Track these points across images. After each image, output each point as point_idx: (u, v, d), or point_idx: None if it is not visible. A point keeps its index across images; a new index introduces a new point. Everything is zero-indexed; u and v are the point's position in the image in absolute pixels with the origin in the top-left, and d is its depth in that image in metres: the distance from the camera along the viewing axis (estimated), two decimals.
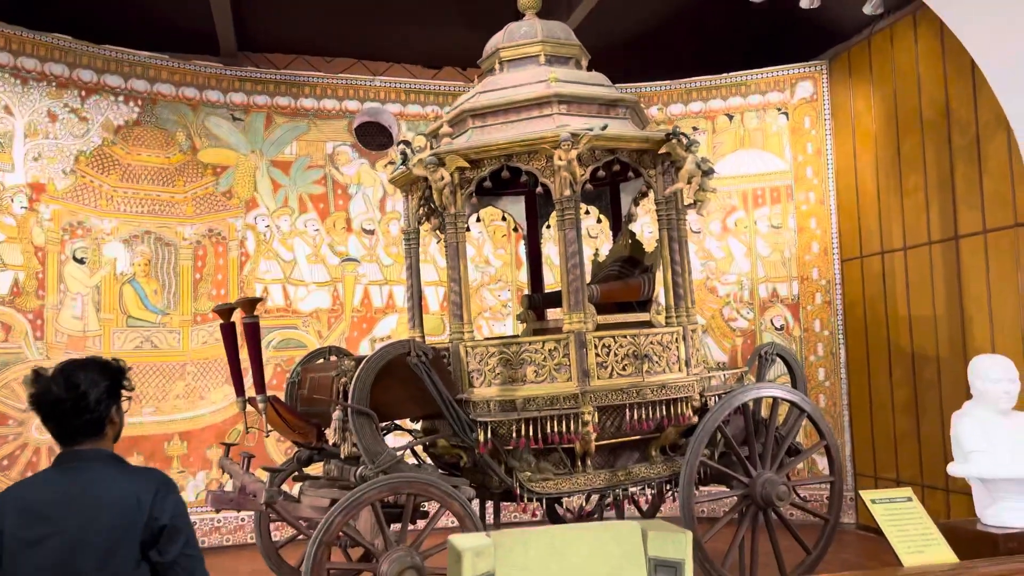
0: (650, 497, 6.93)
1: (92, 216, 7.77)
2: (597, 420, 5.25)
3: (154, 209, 8.09)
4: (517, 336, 6.12)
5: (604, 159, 5.51)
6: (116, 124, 7.93)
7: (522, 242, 8.90)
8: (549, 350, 5.33)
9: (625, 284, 6.17)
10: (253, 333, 5.07)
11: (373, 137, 8.94)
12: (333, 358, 6.08)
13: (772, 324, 8.67)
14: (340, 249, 8.63)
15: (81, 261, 7.67)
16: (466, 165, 5.47)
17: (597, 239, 9.04)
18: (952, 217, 7.00)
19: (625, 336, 5.44)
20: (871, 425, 8.04)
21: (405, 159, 5.62)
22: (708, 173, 5.78)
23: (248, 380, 5.30)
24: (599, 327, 5.49)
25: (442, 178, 5.43)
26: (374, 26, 8.62)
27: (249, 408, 5.36)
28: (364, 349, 8.33)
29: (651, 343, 5.52)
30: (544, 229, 7.23)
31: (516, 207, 7.18)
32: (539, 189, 6.28)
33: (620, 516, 6.88)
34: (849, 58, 8.28)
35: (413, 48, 8.89)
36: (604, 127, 5.24)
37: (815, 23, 8.33)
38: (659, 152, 5.64)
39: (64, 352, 7.42)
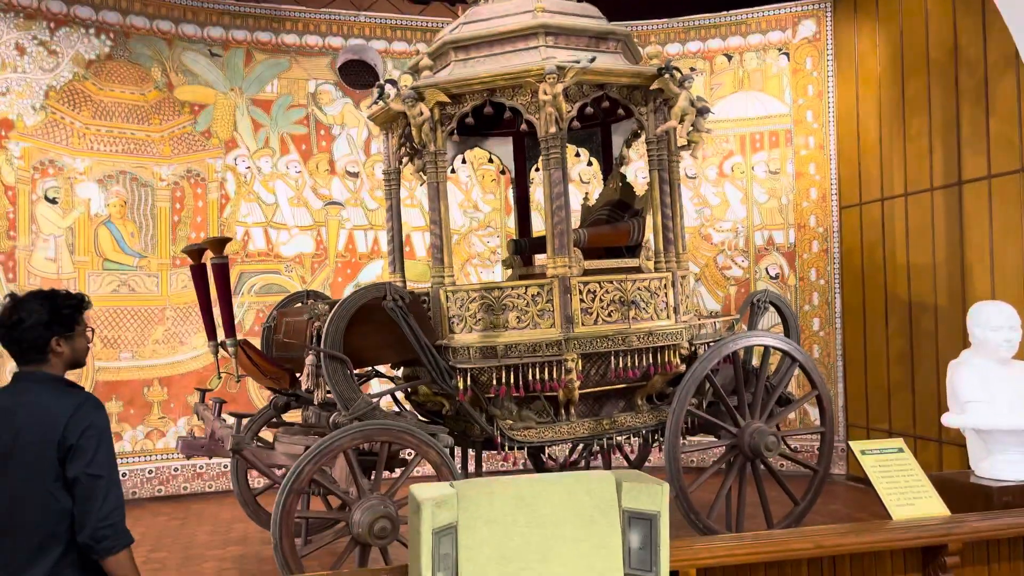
0: (636, 447, 6.80)
1: (64, 154, 7.48)
2: (581, 368, 5.07)
3: (129, 148, 7.80)
4: (499, 282, 5.91)
5: (592, 95, 5.24)
6: (87, 58, 7.60)
7: (511, 186, 8.65)
8: (532, 295, 5.12)
9: (614, 228, 5.94)
10: (222, 274, 4.85)
11: (358, 76, 8.61)
12: (311, 302, 5.87)
13: (767, 273, 8.45)
14: (323, 192, 8.37)
15: (53, 201, 7.41)
16: (447, 100, 5.20)
17: (589, 184, 8.78)
18: (956, 162, 6.73)
19: (611, 282, 5.23)
20: (865, 376, 7.89)
21: (382, 94, 5.33)
22: (702, 112, 5.52)
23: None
24: (587, 272, 5.29)
25: (421, 114, 5.16)
26: None
27: (224, 353, 5.18)
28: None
29: (638, 289, 5.31)
30: (533, 172, 6.97)
31: (503, 148, 6.91)
32: (524, 127, 6.01)
33: (607, 466, 6.75)
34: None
35: None
36: (592, 59, 4.95)
37: None
38: (651, 88, 5.37)
39: None
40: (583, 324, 5.10)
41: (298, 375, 5.10)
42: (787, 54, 8.43)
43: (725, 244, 8.60)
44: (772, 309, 6.29)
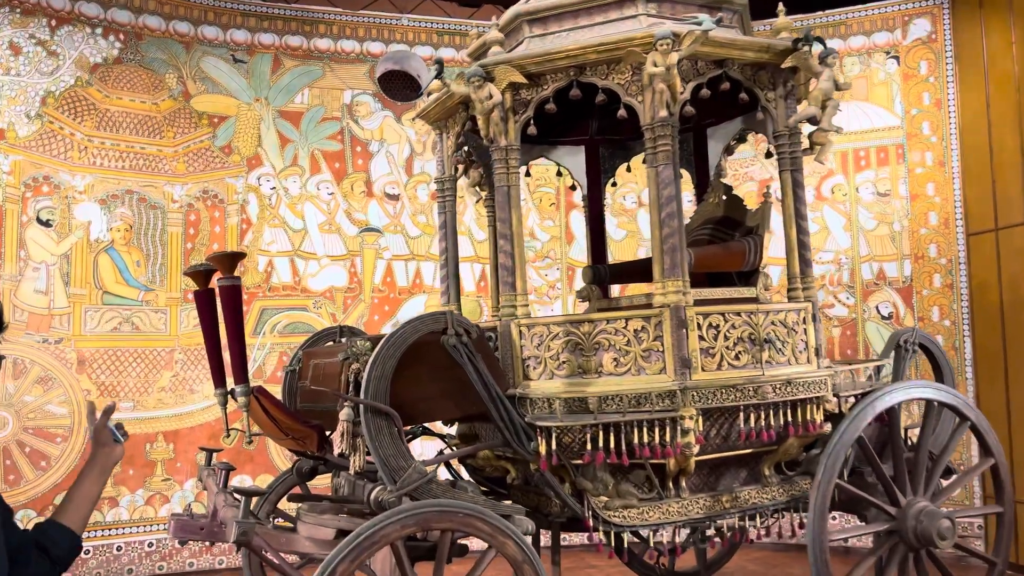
0: (760, 530, 5.43)
1: (61, 170, 6.46)
2: (701, 427, 3.81)
3: (138, 164, 6.77)
4: (607, 307, 4.71)
5: (709, 74, 4.07)
6: (92, 62, 6.62)
7: (574, 211, 7.49)
8: (635, 331, 3.90)
9: (726, 249, 4.72)
10: (232, 301, 3.70)
11: (399, 87, 7.52)
12: (347, 339, 4.69)
13: (878, 312, 7.16)
14: (359, 217, 7.26)
15: (47, 224, 6.36)
16: (522, 81, 4.06)
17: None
18: None
19: (739, 313, 3.99)
20: (1009, 438, 6.51)
21: (441, 71, 4.20)
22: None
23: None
24: (698, 303, 4.06)
25: (490, 97, 4.03)
26: None
27: (235, 404, 3.99)
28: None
29: (772, 323, 4.06)
30: (608, 188, 5.81)
31: (574, 159, 5.75)
32: (596, 135, 4.87)
33: (729, 554, 5.42)
34: None
35: None
36: (718, 20, 3.80)
37: None
38: (782, 67, 4.19)
39: (24, 333, 6.12)
40: (703, 369, 3.86)
41: (329, 433, 3.90)
42: (896, 57, 7.25)
43: (826, 278, 7.33)
44: (921, 352, 5.01)
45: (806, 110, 4.17)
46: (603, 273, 5.26)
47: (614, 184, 5.85)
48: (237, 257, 3.78)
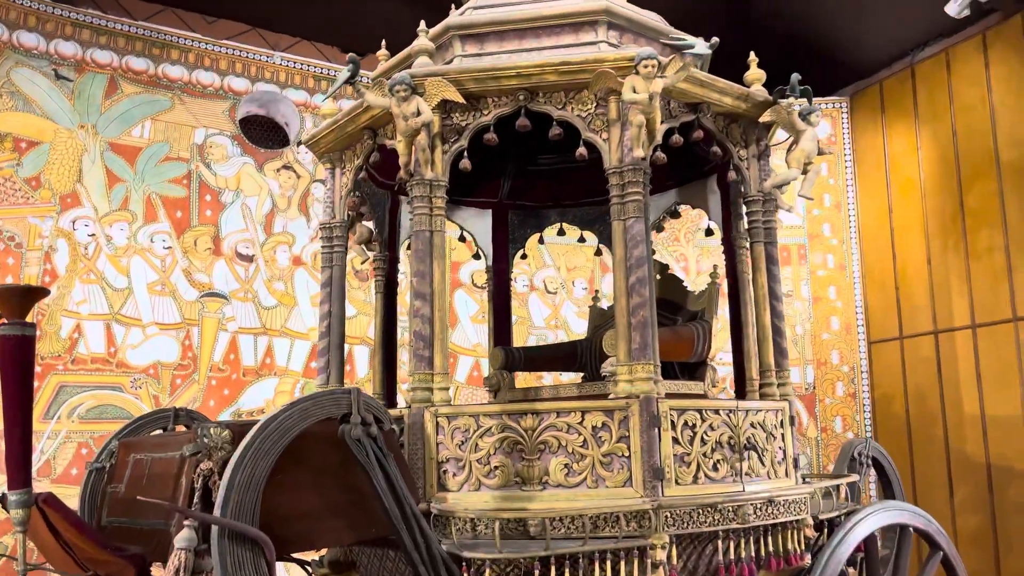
0: None
1: None
2: (676, 558, 2.89)
3: None
4: (534, 398, 3.73)
5: (682, 118, 3.36)
6: None
7: (458, 290, 6.56)
8: (593, 428, 2.97)
9: (674, 334, 3.94)
10: (17, 358, 2.43)
11: (263, 132, 6.45)
12: (181, 428, 3.44)
13: None
14: (201, 279, 5.96)
15: None
16: (459, 100, 3.18)
17: (556, 295, 6.84)
18: None
19: (718, 411, 3.17)
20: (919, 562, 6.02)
21: (354, 76, 3.23)
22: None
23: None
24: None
25: (417, 113, 3.09)
26: None
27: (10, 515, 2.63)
28: None
29: (752, 426, 3.27)
30: (517, 259, 4.97)
31: (480, 224, 4.89)
32: (507, 202, 4.09)
33: None
34: (881, 92, 6.69)
35: (329, 22, 6.60)
36: (712, 45, 3.11)
37: (832, 55, 6.74)
38: (758, 121, 3.57)
39: None
40: (678, 482, 2.97)
41: (151, 564, 2.64)
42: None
43: (726, 381, 6.75)
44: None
45: (785, 173, 3.53)
46: (517, 358, 4.33)
47: (523, 256, 5.01)
48: (34, 295, 2.54)
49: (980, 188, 5.84)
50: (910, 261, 6.33)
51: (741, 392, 3.95)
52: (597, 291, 5.24)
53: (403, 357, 5.05)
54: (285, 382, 6.00)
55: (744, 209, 3.70)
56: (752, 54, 3.69)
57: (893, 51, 6.54)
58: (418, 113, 3.09)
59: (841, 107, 6.99)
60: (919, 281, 6.24)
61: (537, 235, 5.00)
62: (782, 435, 3.40)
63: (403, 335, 5.21)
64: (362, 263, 4.34)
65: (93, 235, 5.68)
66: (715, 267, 4.25)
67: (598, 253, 4.98)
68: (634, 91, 2.99)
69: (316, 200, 6.35)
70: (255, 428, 2.40)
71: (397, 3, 6.65)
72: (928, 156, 6.26)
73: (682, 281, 4.39)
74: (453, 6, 3.79)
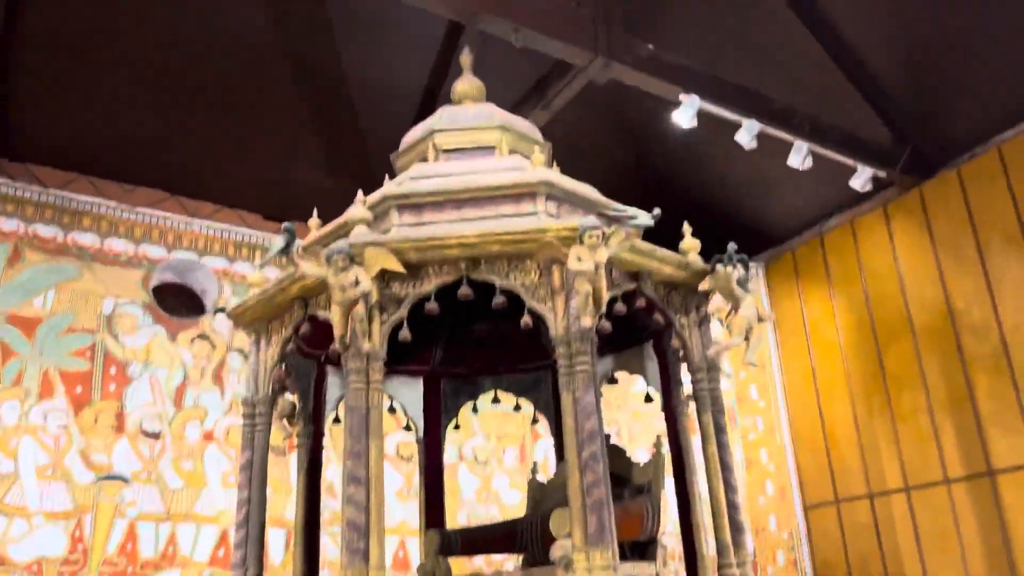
0: None
1: None
2: None
3: None
4: None
5: (624, 286, 3.33)
6: None
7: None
8: None
9: (622, 511, 3.70)
10: None
11: (178, 301, 6.17)
12: None
13: None
14: (99, 460, 5.44)
15: None
16: (399, 270, 3.06)
17: (487, 465, 6.54)
18: (981, 446, 5.34)
19: None
20: None
21: (289, 246, 3.08)
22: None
23: None
24: None
25: (355, 283, 2.95)
26: (202, 154, 6.26)
27: None
28: None
29: None
30: (450, 430, 4.72)
31: (411, 393, 4.66)
32: (440, 370, 3.96)
33: None
34: (794, 259, 6.98)
35: (251, 189, 6.54)
36: (655, 215, 3.12)
37: (745, 223, 7.07)
38: (697, 289, 3.57)
39: None
40: None
41: None
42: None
43: (675, 556, 6.46)
44: None
45: (727, 341, 3.50)
46: (453, 541, 4.00)
47: (456, 427, 4.77)
48: None
49: (897, 351, 6.01)
50: (838, 423, 6.37)
51: (692, 570, 3.72)
52: (535, 463, 4.99)
53: (324, 540, 4.62)
54: (190, 571, 5.41)
55: (688, 377, 3.61)
56: (686, 223, 3.75)
57: (802, 220, 6.88)
58: (356, 283, 2.94)
59: (756, 273, 7.23)
60: (849, 443, 6.25)
61: (471, 403, 4.80)
62: None
63: (325, 514, 4.79)
64: (283, 439, 4.02)
65: None
66: (659, 437, 4.11)
67: (535, 421, 4.79)
68: (579, 260, 2.94)
69: (232, 371, 6.01)
70: None
71: (320, 171, 6.69)
72: (845, 320, 6.46)
73: (625, 451, 4.22)
74: (387, 176, 3.76)
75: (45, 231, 5.74)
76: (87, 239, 5.87)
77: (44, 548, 5.10)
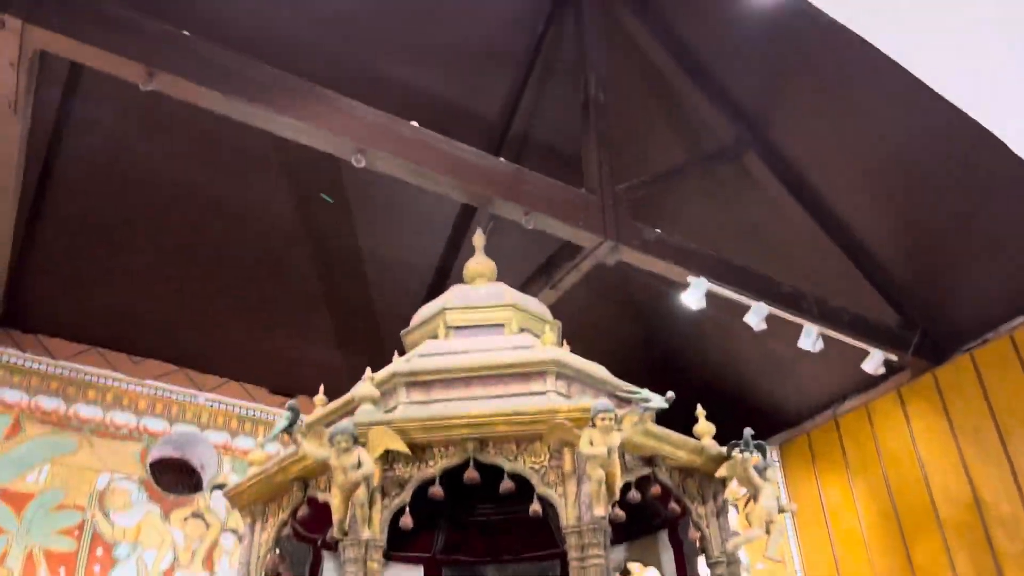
0: None
1: None
2: None
3: None
4: None
5: (638, 472, 3.19)
6: None
7: None
8: None
9: None
10: None
11: (175, 476, 5.99)
12: None
13: None
14: None
15: None
16: (404, 451, 2.95)
17: None
18: None
19: None
20: None
21: (293, 424, 2.99)
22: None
23: None
24: None
25: (358, 465, 2.84)
26: (211, 328, 6.30)
27: None
28: None
29: None
30: None
31: None
32: (441, 557, 3.76)
33: None
34: (810, 442, 6.80)
35: (260, 364, 6.52)
36: (669, 399, 3.03)
37: (757, 405, 6.96)
38: (714, 476, 3.43)
39: None
40: None
41: None
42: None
43: None
44: None
45: (748, 533, 3.32)
46: None
47: None
48: None
49: (925, 545, 5.70)
50: None
51: None
52: None
53: None
54: None
55: (707, 571, 3.39)
56: (699, 407, 3.66)
57: (816, 403, 6.76)
58: (359, 465, 2.83)
59: (774, 457, 7.01)
60: None
61: None
62: None
63: None
64: None
65: None
66: None
67: None
68: (591, 444, 2.83)
69: (225, 552, 5.72)
70: None
71: (331, 347, 6.69)
72: (866, 507, 6.18)
73: None
74: (396, 353, 3.73)
75: (48, 403, 5.68)
76: (90, 411, 5.79)
77: None
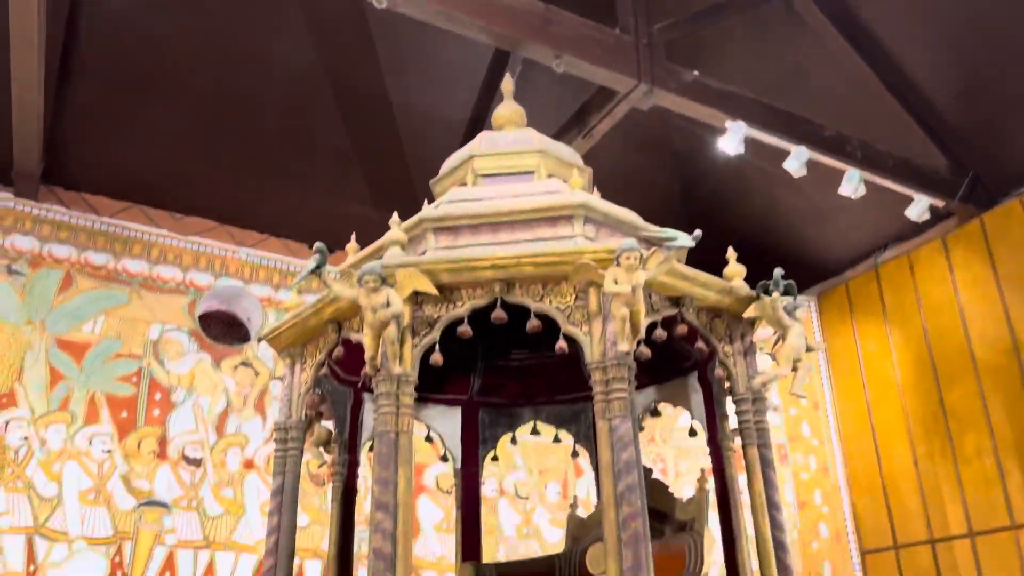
0: None
1: None
2: None
3: None
4: None
5: (664, 311, 3.21)
6: None
7: (422, 496, 6.11)
8: None
9: (663, 548, 3.55)
10: None
11: (223, 328, 6.21)
12: None
13: None
14: (141, 486, 5.46)
15: None
16: (431, 292, 3.00)
17: (528, 500, 6.40)
18: None
19: None
20: None
21: (321, 265, 3.06)
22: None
23: None
24: None
25: (387, 304, 2.89)
26: (250, 185, 6.35)
27: None
28: None
29: None
30: (491, 464, 4.61)
31: (448, 422, 4.57)
32: (478, 400, 3.87)
33: None
34: (848, 292, 6.74)
35: (297, 220, 6.60)
36: (696, 237, 3.00)
37: (796, 255, 6.87)
38: (742, 317, 3.43)
39: None
40: None
41: None
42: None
43: None
44: None
45: (774, 371, 3.35)
46: (488, 574, 3.87)
47: (495, 459, 4.66)
48: None
49: (960, 390, 5.73)
50: (896, 464, 6.07)
51: None
52: (575, 497, 4.85)
53: (360, 574, 4.53)
54: None
55: (732, 408, 3.46)
56: (730, 248, 3.62)
57: (856, 253, 6.66)
58: (387, 304, 2.89)
59: (809, 306, 7.01)
60: (909, 486, 5.95)
61: (509, 435, 4.69)
62: None
63: (360, 548, 4.71)
64: (319, 467, 3.96)
65: (26, 438, 5.24)
66: (703, 472, 3.95)
67: (575, 454, 4.65)
68: (616, 282, 2.84)
69: (274, 398, 6.02)
70: None
71: (365, 202, 6.72)
72: (902, 356, 6.20)
73: (667, 487, 4.05)
74: (426, 200, 3.73)
75: (97, 258, 5.86)
76: (137, 266, 5.97)
77: (84, 573, 5.11)
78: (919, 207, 5.54)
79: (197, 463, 5.65)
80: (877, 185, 5.52)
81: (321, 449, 3.89)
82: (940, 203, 5.70)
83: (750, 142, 5.21)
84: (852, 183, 5.29)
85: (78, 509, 5.23)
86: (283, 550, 3.34)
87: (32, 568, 4.99)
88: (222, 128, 6.12)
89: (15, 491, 5.12)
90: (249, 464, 5.78)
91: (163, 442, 5.61)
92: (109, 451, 5.43)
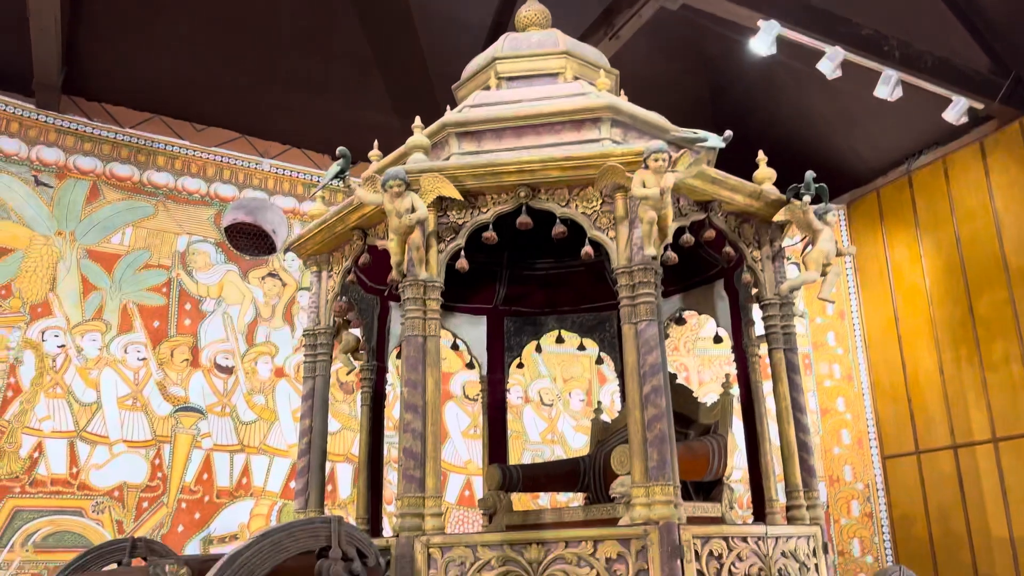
0: None
1: None
2: None
3: None
4: (536, 523, 3.36)
5: (693, 216, 3.16)
6: None
7: (450, 402, 6.22)
8: (607, 560, 2.61)
9: (688, 450, 3.61)
10: None
11: (249, 240, 6.23)
12: (138, 561, 3.05)
13: None
14: (176, 392, 5.61)
15: None
16: (456, 197, 2.97)
17: (552, 407, 6.50)
18: None
19: (745, 539, 2.82)
20: None
21: (345, 170, 3.04)
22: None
23: None
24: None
25: (412, 209, 2.88)
26: (270, 94, 6.26)
27: None
28: (196, 552, 5.15)
29: (783, 555, 2.91)
30: (517, 372, 4.68)
31: (474, 330, 4.62)
32: (503, 308, 3.87)
33: None
34: (879, 200, 6.60)
35: (319, 130, 6.53)
36: (727, 138, 2.93)
37: (827, 162, 6.70)
38: (772, 221, 3.38)
39: None
40: None
41: None
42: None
43: (742, 502, 6.34)
44: None
45: (803, 275, 3.32)
46: (515, 477, 3.97)
47: (520, 366, 4.72)
48: None
49: (990, 296, 5.66)
50: (921, 371, 6.07)
51: (760, 514, 3.60)
52: (599, 403, 4.91)
53: (390, 476, 4.68)
54: (262, 504, 5.57)
55: (760, 314, 3.45)
56: (760, 152, 3.54)
57: (889, 159, 6.50)
58: (412, 209, 2.87)
59: (839, 214, 6.89)
60: (933, 392, 5.96)
61: (534, 343, 4.73)
62: (815, 565, 3.04)
63: (390, 452, 4.84)
64: (348, 373, 4.04)
65: (63, 346, 5.37)
66: (727, 376, 3.97)
67: (599, 362, 4.69)
68: (644, 186, 2.79)
69: (302, 308, 6.10)
70: (219, 565, 2.04)
71: (387, 111, 6.62)
72: (932, 264, 6.11)
73: (691, 391, 4.09)
74: (448, 107, 3.66)
75: (122, 170, 5.87)
76: (162, 178, 5.98)
77: (126, 475, 5.31)
78: (957, 109, 5.35)
79: (229, 371, 5.78)
80: (913, 87, 5.33)
81: (350, 356, 3.94)
82: (979, 105, 5.50)
83: (782, 43, 5.02)
84: (888, 84, 5.11)
85: (117, 414, 5.39)
86: (316, 450, 3.43)
87: (75, 470, 5.19)
88: (239, 35, 6.01)
89: (55, 397, 5.28)
90: (279, 372, 5.90)
91: (195, 351, 5.72)
92: (144, 359, 5.56)
